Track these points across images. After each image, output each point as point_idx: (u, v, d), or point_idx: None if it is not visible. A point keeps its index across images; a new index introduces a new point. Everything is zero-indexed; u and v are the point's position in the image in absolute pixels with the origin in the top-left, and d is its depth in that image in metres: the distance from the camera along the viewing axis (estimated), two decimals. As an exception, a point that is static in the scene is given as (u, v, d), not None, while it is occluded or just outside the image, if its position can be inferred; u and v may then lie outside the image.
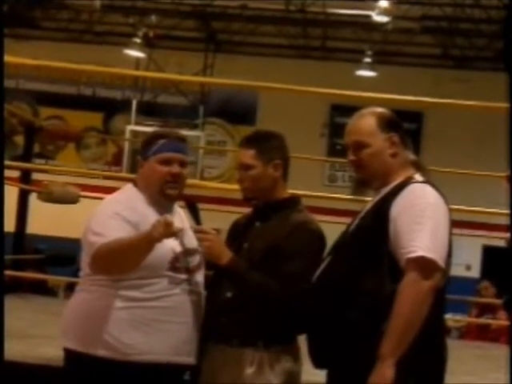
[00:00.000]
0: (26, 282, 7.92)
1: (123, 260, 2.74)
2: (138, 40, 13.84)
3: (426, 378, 2.60)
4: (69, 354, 2.89)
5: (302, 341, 2.85)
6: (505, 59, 10.35)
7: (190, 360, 2.91)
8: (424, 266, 2.52)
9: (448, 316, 3.05)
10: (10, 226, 6.64)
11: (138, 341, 2.79)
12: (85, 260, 2.88)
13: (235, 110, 14.94)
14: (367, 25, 12.86)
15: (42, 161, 14.59)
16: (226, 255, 2.86)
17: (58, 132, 9.80)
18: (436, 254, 2.54)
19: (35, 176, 7.75)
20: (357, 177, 2.83)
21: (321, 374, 2.79)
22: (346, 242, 2.75)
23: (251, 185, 3.00)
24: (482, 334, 8.01)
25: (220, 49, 14.95)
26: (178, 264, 2.88)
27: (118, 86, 15.18)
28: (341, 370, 2.65)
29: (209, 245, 2.84)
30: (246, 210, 3.13)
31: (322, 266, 2.77)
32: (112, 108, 15.45)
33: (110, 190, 3.20)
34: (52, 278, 9.57)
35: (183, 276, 2.89)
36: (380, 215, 2.64)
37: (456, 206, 3.47)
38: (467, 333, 8.62)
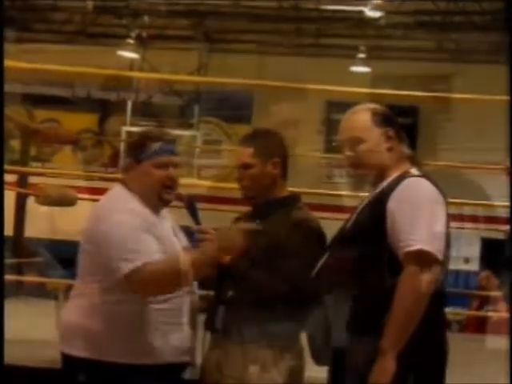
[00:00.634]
0: (27, 285, 7.91)
1: (178, 282, 2.72)
2: (131, 41, 13.82)
3: (427, 371, 2.60)
4: (71, 359, 2.84)
5: (303, 338, 2.85)
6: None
7: (190, 359, 2.91)
8: (423, 258, 2.53)
9: (447, 310, 3.05)
10: (8, 229, 6.63)
11: (143, 344, 2.78)
12: (83, 265, 2.85)
13: (230, 109, 14.92)
14: (360, 20, 12.86)
15: (38, 164, 14.55)
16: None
17: (55, 135, 9.79)
18: (434, 246, 2.55)
19: (32, 179, 7.74)
20: (353, 173, 2.83)
21: (322, 371, 2.80)
22: (344, 237, 2.75)
23: (250, 183, 3.00)
24: (482, 326, 8.01)
25: (214, 47, 14.93)
26: None
27: (112, 87, 15.14)
28: (342, 366, 2.65)
29: (209, 244, 2.84)
30: (244, 209, 3.12)
31: (321, 261, 2.77)
32: (107, 109, 15.44)
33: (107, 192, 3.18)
34: (51, 281, 9.54)
35: None
36: (377, 210, 2.64)
37: (453, 200, 3.47)
38: (467, 326, 8.62)
